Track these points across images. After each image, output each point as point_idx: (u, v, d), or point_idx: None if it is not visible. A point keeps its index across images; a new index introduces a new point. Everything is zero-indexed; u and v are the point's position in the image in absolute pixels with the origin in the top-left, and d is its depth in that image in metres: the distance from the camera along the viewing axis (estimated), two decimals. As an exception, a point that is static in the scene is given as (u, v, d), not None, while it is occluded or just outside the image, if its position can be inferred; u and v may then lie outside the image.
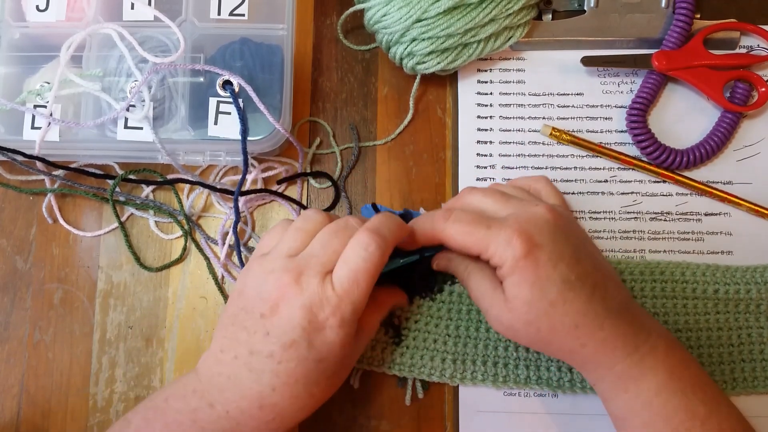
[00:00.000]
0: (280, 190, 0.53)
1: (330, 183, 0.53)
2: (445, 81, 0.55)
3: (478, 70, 0.55)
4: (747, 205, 0.51)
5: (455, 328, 0.49)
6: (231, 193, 0.52)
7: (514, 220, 0.40)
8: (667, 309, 0.49)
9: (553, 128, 0.53)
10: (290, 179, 0.53)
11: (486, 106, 0.55)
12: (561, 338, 0.40)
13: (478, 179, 0.53)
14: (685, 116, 0.54)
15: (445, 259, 0.46)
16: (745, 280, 0.49)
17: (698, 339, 0.48)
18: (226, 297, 0.52)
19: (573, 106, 0.54)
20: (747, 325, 0.49)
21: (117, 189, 0.53)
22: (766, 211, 0.51)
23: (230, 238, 0.52)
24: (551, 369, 0.48)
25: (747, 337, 0.48)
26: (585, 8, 0.54)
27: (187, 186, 0.53)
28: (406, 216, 0.46)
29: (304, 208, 0.53)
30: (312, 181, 0.54)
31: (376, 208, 0.48)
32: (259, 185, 0.53)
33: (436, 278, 0.50)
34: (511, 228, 0.40)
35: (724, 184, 0.52)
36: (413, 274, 0.49)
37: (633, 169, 0.53)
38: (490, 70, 0.55)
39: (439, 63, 0.51)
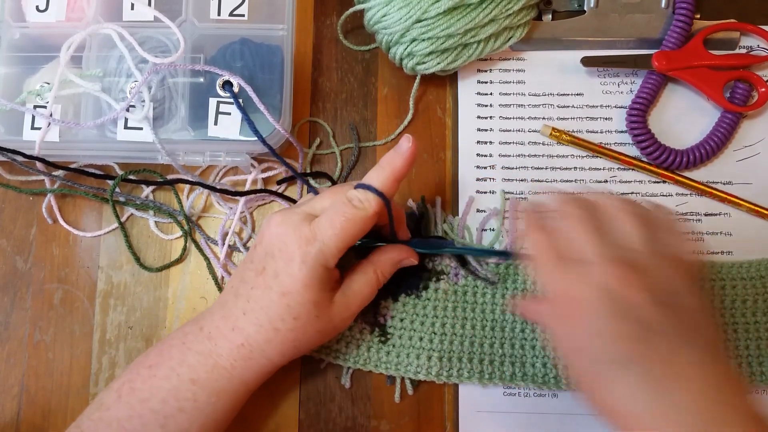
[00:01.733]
0: (280, 191, 0.53)
1: (330, 183, 0.53)
2: (445, 81, 0.55)
3: (478, 71, 0.55)
4: (747, 205, 0.51)
5: (441, 325, 0.49)
6: (231, 193, 0.52)
7: (576, 276, 0.37)
8: None
9: (553, 128, 0.53)
10: (290, 179, 0.53)
11: (486, 106, 0.55)
12: (583, 386, 0.38)
13: (478, 179, 0.53)
14: (685, 116, 0.54)
15: (523, 313, 0.46)
16: (730, 275, 0.49)
17: None
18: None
19: (573, 107, 0.54)
20: (733, 321, 0.49)
21: (117, 189, 0.53)
22: (766, 211, 0.51)
23: (230, 239, 0.52)
24: (536, 365, 0.48)
25: (733, 333, 0.49)
26: (585, 8, 0.54)
27: (187, 186, 0.53)
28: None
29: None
30: (312, 181, 0.54)
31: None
32: (259, 185, 0.53)
33: (421, 275, 0.50)
34: (564, 286, 0.38)
35: (724, 184, 0.52)
36: (400, 271, 0.49)
37: (633, 169, 0.53)
38: (490, 70, 0.55)
39: (439, 63, 0.51)
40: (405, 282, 0.50)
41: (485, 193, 0.53)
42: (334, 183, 0.53)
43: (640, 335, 0.35)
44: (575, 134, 0.53)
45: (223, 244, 0.52)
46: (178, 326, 0.48)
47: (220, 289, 0.52)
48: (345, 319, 0.44)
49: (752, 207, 0.51)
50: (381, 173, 0.43)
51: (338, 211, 0.41)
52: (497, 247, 0.51)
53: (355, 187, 0.43)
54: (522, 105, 0.54)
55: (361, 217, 0.41)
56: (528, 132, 0.54)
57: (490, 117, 0.54)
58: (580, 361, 0.37)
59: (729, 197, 0.51)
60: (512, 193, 0.53)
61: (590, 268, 0.37)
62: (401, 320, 0.49)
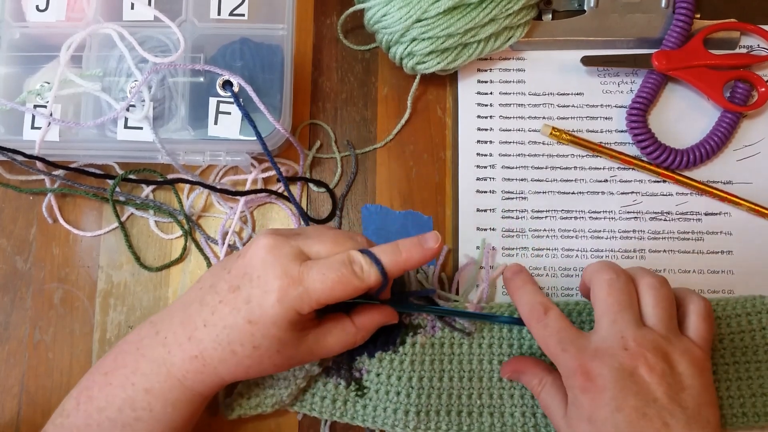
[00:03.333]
0: (279, 190, 0.53)
1: (325, 190, 0.53)
2: (445, 81, 0.55)
3: (478, 70, 0.55)
4: (747, 204, 0.51)
5: (418, 380, 0.47)
6: (231, 193, 0.52)
7: (593, 351, 0.40)
8: None
9: (553, 128, 0.53)
10: (290, 180, 0.53)
11: (486, 106, 0.55)
12: None
13: (478, 179, 0.53)
14: (685, 116, 0.54)
15: (516, 371, 0.47)
16: (735, 312, 0.48)
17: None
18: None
19: (573, 106, 0.54)
20: (745, 360, 0.47)
21: (117, 189, 0.53)
22: (766, 211, 0.51)
23: (230, 238, 0.52)
24: (515, 415, 0.47)
25: (745, 372, 0.47)
26: (585, 8, 0.54)
27: (187, 186, 0.53)
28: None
29: (303, 210, 0.53)
30: (311, 184, 0.54)
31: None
32: (260, 185, 0.53)
33: (399, 331, 0.49)
34: (578, 362, 0.40)
35: (724, 183, 0.52)
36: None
37: (633, 168, 0.53)
38: (490, 70, 0.55)
39: (439, 63, 0.51)
40: (382, 339, 0.48)
41: (485, 192, 0.53)
42: (330, 191, 0.53)
43: (655, 422, 0.38)
44: (575, 134, 0.53)
45: (223, 243, 0.52)
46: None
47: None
48: (304, 362, 0.43)
49: (752, 207, 0.51)
50: (395, 255, 0.40)
51: (334, 268, 0.39)
52: (473, 295, 0.50)
53: (362, 251, 0.40)
54: (522, 105, 0.54)
55: (355, 286, 0.39)
56: (528, 132, 0.54)
57: (490, 117, 0.54)
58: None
59: (729, 197, 0.51)
60: (512, 192, 0.53)
61: (617, 350, 0.39)
62: (377, 375, 0.48)
